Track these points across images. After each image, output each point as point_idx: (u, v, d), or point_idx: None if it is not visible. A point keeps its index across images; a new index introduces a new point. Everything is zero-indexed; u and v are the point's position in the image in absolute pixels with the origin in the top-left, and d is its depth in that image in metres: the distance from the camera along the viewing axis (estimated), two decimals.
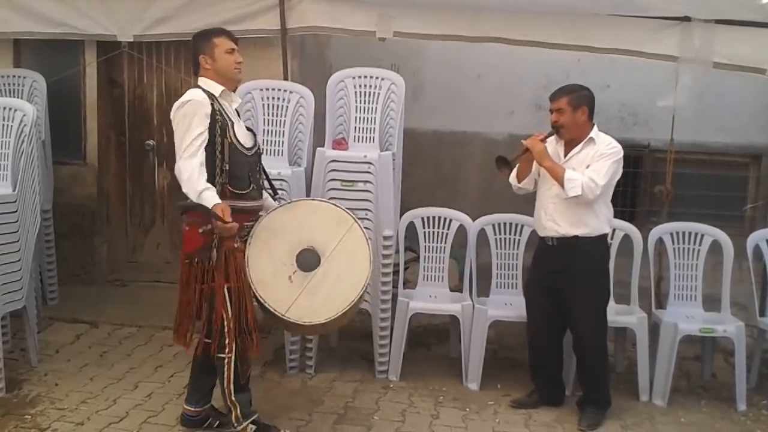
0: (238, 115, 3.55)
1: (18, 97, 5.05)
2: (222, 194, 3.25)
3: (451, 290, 4.73)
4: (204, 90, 3.35)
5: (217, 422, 3.62)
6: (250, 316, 3.33)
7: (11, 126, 4.31)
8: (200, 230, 3.25)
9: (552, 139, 3.95)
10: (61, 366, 4.39)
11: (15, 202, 4.13)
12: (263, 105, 4.64)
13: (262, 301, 3.33)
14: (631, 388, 4.28)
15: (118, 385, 4.16)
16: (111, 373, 4.31)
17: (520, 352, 4.67)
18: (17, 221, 4.13)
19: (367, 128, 4.59)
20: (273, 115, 4.64)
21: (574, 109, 3.83)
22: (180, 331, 3.49)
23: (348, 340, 4.85)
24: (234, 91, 3.53)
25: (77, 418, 3.75)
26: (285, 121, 4.63)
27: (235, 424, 3.43)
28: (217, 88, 3.38)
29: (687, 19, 4.38)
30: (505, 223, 4.63)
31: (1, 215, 4.03)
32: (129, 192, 5.91)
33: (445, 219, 4.64)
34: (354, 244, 3.45)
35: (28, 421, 3.71)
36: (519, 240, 4.61)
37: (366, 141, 4.58)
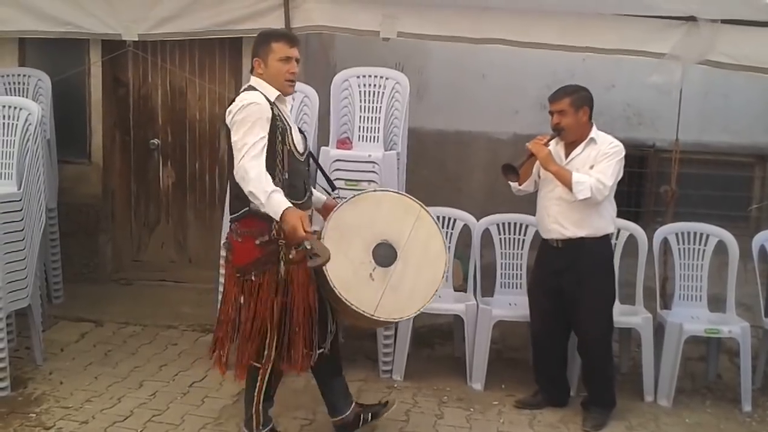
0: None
1: (23, 96, 5.05)
2: None
3: (455, 290, 4.73)
4: (261, 93, 3.14)
5: (370, 414, 3.55)
6: (293, 332, 3.17)
7: (16, 125, 4.32)
8: (257, 241, 3.09)
9: (552, 141, 3.94)
10: (66, 364, 4.39)
11: (20, 200, 4.14)
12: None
13: (349, 304, 3.16)
14: (635, 388, 4.27)
15: (122, 383, 4.17)
16: (116, 372, 4.32)
17: (525, 352, 4.66)
18: (22, 220, 4.14)
19: (371, 127, 4.59)
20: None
21: (576, 110, 3.81)
22: (219, 353, 3.27)
23: (352, 340, 4.84)
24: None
25: (82, 417, 3.76)
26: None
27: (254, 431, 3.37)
28: (272, 93, 3.17)
29: (693, 18, 4.36)
30: (509, 223, 4.62)
31: (6, 214, 4.03)
32: (134, 191, 5.92)
33: (449, 219, 4.64)
34: (426, 232, 3.35)
35: (33, 419, 3.72)
36: (523, 240, 4.61)
37: (370, 140, 4.58)
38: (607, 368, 3.97)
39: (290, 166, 3.13)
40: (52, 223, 5.16)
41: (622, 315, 4.34)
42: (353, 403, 3.55)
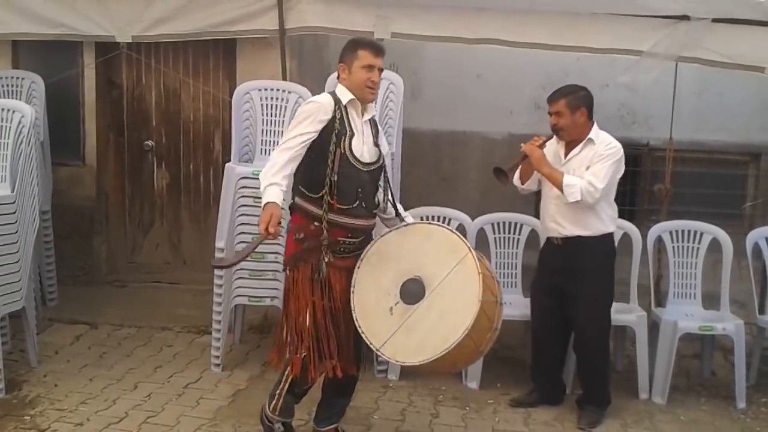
0: (375, 128, 3.35)
1: (16, 99, 5.05)
2: (329, 206, 3.10)
3: None
4: (333, 95, 3.21)
5: None
6: (329, 340, 3.15)
7: (9, 127, 4.31)
8: (295, 236, 3.14)
9: (553, 140, 3.95)
10: (61, 367, 4.38)
11: (14, 203, 4.13)
12: (262, 105, 4.64)
13: (360, 330, 3.12)
14: (630, 386, 4.28)
15: (117, 385, 4.16)
16: (110, 374, 4.31)
17: (520, 351, 4.67)
18: (16, 222, 4.13)
19: None
20: (272, 115, 4.65)
21: (573, 111, 3.81)
22: (281, 346, 3.27)
23: None
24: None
25: (77, 419, 3.75)
26: (284, 121, 4.63)
27: (270, 412, 3.36)
28: (346, 96, 3.21)
29: (686, 17, 4.37)
30: (504, 223, 4.63)
31: None
32: (128, 193, 5.91)
33: (444, 218, 4.64)
34: (463, 278, 3.05)
35: (28, 422, 3.71)
36: (518, 239, 4.61)
37: None
38: (603, 366, 3.98)
39: (341, 169, 3.13)
40: (46, 225, 5.15)
41: (617, 313, 4.33)
42: (336, 427, 3.50)
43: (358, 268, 3.20)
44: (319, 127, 3.12)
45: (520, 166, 3.98)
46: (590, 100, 3.87)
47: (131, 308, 5.32)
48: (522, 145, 3.90)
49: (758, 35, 4.38)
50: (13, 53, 5.56)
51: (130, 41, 5.14)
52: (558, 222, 3.89)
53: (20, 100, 5.02)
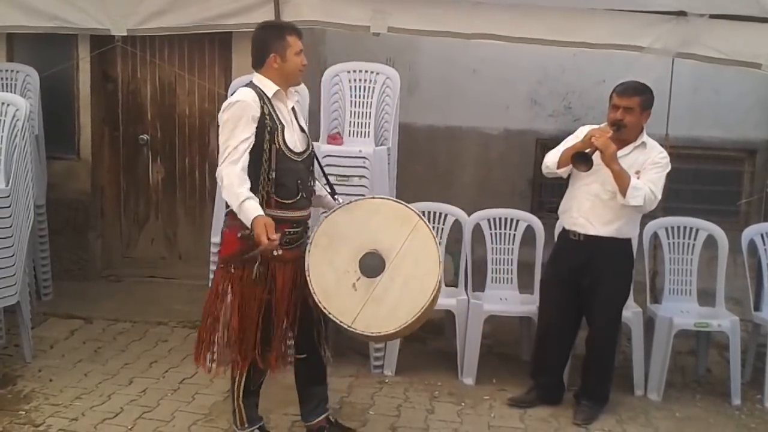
0: (295, 114, 3.30)
1: (11, 92, 5.02)
2: (267, 203, 3.06)
3: (447, 285, 4.71)
4: (256, 88, 3.13)
5: None
6: (276, 329, 3.17)
7: (4, 121, 4.28)
8: (239, 234, 3.06)
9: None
10: (56, 362, 4.37)
11: (8, 197, 4.11)
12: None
13: (327, 313, 3.12)
14: (626, 382, 4.28)
15: (112, 380, 4.15)
16: (105, 369, 4.30)
17: (515, 346, 4.68)
18: (10, 216, 4.11)
19: (362, 123, 4.59)
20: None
21: (642, 111, 3.73)
22: (201, 348, 3.24)
23: (343, 335, 4.83)
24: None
25: (72, 414, 3.74)
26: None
27: (239, 428, 3.35)
28: (271, 89, 3.14)
29: (683, 13, 4.37)
30: (500, 218, 4.63)
31: None
32: (123, 187, 5.89)
33: (440, 214, 4.63)
34: (420, 244, 3.17)
35: (23, 416, 3.70)
36: (514, 235, 4.61)
37: (361, 135, 4.58)
38: (608, 364, 3.96)
39: (279, 165, 3.10)
40: (41, 219, 5.13)
41: None
42: (326, 416, 3.50)
43: (309, 252, 3.17)
44: (254, 126, 3.04)
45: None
46: (653, 104, 3.81)
47: (126, 303, 5.31)
48: (593, 137, 3.64)
49: (755, 31, 4.38)
50: (7, 46, 5.53)
51: (125, 34, 5.12)
52: (589, 219, 3.80)
53: (15, 93, 4.98)
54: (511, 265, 4.63)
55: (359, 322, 3.10)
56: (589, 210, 3.81)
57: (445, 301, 4.42)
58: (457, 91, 6.04)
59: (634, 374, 4.25)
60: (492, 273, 4.64)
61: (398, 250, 3.16)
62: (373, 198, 3.48)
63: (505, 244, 4.63)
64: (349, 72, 4.63)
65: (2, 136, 4.26)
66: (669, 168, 3.76)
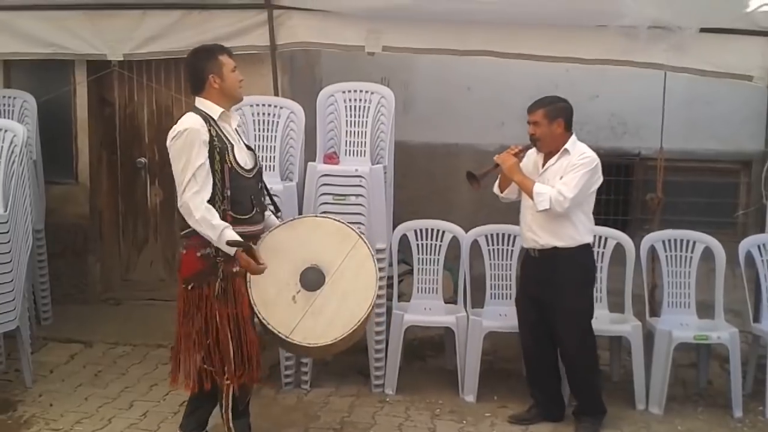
0: (239, 135, 3.43)
1: (8, 118, 5.04)
2: (223, 220, 3.15)
3: (446, 302, 4.73)
4: (201, 113, 3.24)
5: None
6: (249, 344, 3.23)
7: (2, 147, 4.32)
8: (198, 254, 3.18)
9: (533, 151, 3.97)
10: (56, 386, 4.37)
11: (6, 222, 4.13)
12: (254, 121, 4.65)
13: (265, 323, 3.23)
14: (627, 396, 4.28)
15: (113, 404, 4.15)
16: (106, 393, 4.29)
17: (516, 363, 4.66)
18: (9, 242, 4.12)
19: (357, 142, 4.61)
20: (264, 131, 4.66)
21: (551, 122, 3.83)
22: (178, 369, 3.32)
23: (343, 355, 4.78)
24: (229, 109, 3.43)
25: None
26: (276, 136, 4.64)
27: None
28: (216, 111, 3.27)
29: (677, 27, 4.40)
30: (498, 234, 4.64)
31: None
32: (121, 210, 5.91)
33: (438, 231, 4.65)
34: (359, 261, 3.35)
35: None
36: (512, 251, 4.62)
37: (357, 155, 4.60)
38: (589, 377, 3.95)
39: (233, 182, 3.21)
40: (40, 244, 5.14)
41: (612, 323, 4.36)
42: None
43: None
44: (206, 150, 3.15)
45: (498, 174, 4.02)
46: (569, 112, 3.89)
47: (126, 326, 5.30)
48: (496, 156, 3.94)
49: (745, 44, 4.42)
50: (4, 73, 5.57)
51: (122, 59, 5.16)
52: (534, 231, 3.90)
53: (12, 119, 5.02)
54: (510, 280, 4.63)
55: (297, 333, 3.22)
56: (531, 222, 3.91)
57: (445, 319, 4.45)
58: (452, 108, 6.08)
59: (635, 388, 4.24)
60: (491, 289, 4.64)
61: (338, 265, 3.33)
62: (316, 216, 3.74)
63: (503, 260, 4.64)
64: (344, 92, 4.66)
65: (0, 162, 4.28)
66: (591, 166, 3.78)
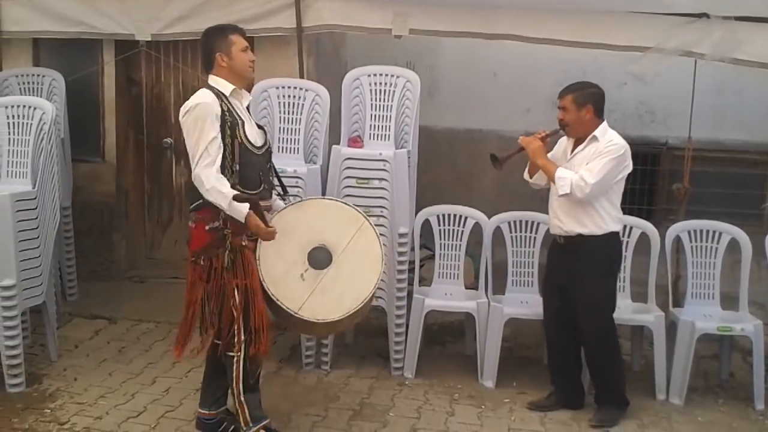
0: (249, 113, 3.49)
1: (37, 96, 5.09)
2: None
3: (467, 288, 4.72)
4: (213, 89, 3.30)
5: (232, 427, 3.53)
6: (258, 315, 3.27)
7: (31, 124, 4.36)
8: (207, 227, 3.24)
9: (564, 138, 3.95)
10: (80, 361, 4.44)
11: (35, 199, 4.18)
12: (279, 103, 4.66)
13: (274, 299, 3.29)
14: (648, 386, 4.26)
15: (136, 380, 4.21)
16: (129, 368, 4.36)
17: (536, 350, 4.66)
18: (37, 218, 4.18)
19: (382, 126, 4.59)
20: (289, 113, 4.66)
21: (579, 107, 3.80)
22: (180, 338, 3.42)
23: (364, 337, 4.86)
24: (246, 89, 3.49)
25: (96, 413, 3.80)
26: (301, 119, 4.64)
27: (244, 428, 3.38)
28: (227, 87, 3.32)
29: (706, 15, 4.34)
30: (520, 221, 4.61)
31: (21, 212, 4.07)
32: (147, 189, 5.96)
33: (460, 217, 4.64)
34: (365, 243, 3.44)
35: (48, 415, 3.76)
36: (535, 238, 4.60)
37: (381, 138, 4.59)
38: (611, 368, 3.92)
39: (242, 158, 3.25)
40: (67, 221, 5.20)
41: (635, 313, 4.33)
42: (224, 408, 3.58)
43: (260, 243, 3.32)
44: (218, 125, 3.20)
45: (521, 157, 3.99)
46: (599, 98, 3.85)
47: (150, 303, 5.37)
48: (520, 138, 3.93)
49: None
50: (34, 51, 5.62)
51: (150, 39, 5.19)
52: (559, 218, 3.89)
53: (41, 97, 5.07)
54: (532, 268, 4.61)
55: (306, 310, 3.30)
56: (557, 208, 3.90)
57: (466, 304, 4.45)
58: (477, 94, 6.05)
59: (656, 378, 4.22)
60: (512, 276, 4.63)
61: (345, 246, 3.42)
62: (323, 199, 3.84)
63: (525, 247, 4.62)
64: (369, 75, 4.64)
65: (29, 140, 4.34)
66: (617, 154, 3.73)
